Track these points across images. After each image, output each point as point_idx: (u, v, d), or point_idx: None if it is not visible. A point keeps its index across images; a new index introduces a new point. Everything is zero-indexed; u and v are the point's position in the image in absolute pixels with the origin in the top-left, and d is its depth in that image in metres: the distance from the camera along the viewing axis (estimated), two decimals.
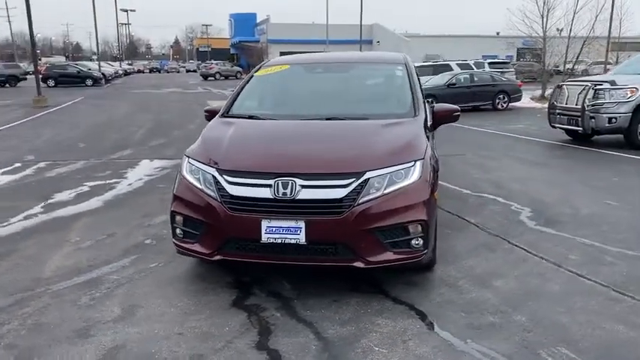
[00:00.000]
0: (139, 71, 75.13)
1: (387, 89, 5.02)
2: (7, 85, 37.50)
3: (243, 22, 57.22)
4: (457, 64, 22.86)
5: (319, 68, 5.50)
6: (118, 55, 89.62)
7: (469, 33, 61.54)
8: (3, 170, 8.67)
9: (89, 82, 37.95)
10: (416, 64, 21.64)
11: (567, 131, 11.48)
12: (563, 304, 3.72)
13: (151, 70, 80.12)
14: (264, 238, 3.65)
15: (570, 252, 4.73)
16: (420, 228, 3.76)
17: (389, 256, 3.73)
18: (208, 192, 3.80)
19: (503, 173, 8.22)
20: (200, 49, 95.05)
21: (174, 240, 4.06)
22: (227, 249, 3.80)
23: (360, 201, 3.61)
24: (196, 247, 3.89)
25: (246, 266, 4.18)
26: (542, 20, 23.23)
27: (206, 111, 5.12)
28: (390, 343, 3.21)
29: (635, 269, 4.33)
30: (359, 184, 3.63)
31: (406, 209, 3.72)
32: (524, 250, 4.81)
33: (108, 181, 7.85)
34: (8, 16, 77.39)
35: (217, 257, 3.82)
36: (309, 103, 4.95)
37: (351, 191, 3.62)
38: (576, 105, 10.51)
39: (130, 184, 7.70)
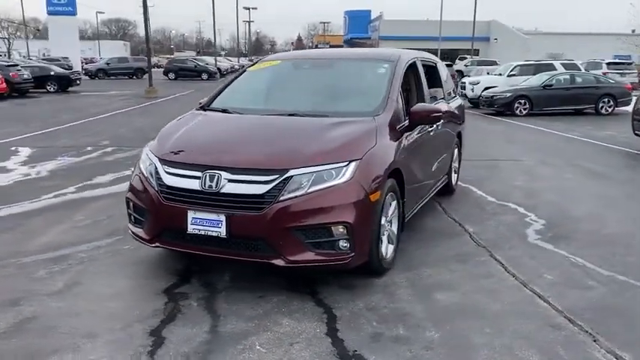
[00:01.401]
0: None
1: (362, 87, 4.86)
2: (135, 76, 40.91)
3: (357, 19, 57.51)
4: (562, 63, 21.26)
5: (306, 65, 5.46)
6: (244, 52, 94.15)
7: (600, 31, 56.77)
8: (70, 154, 9.55)
9: (205, 75, 40.33)
10: (516, 63, 20.49)
11: None
12: (493, 325, 3.42)
13: None
14: (190, 229, 3.74)
15: (550, 271, 4.30)
16: (344, 230, 3.64)
17: (310, 256, 3.65)
18: (151, 181, 3.96)
19: (550, 183, 7.59)
20: (319, 46, 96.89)
21: (128, 224, 4.28)
22: (164, 237, 3.94)
23: (281, 198, 3.57)
24: (141, 232, 4.08)
25: (204, 256, 4.26)
26: None
27: (199, 104, 5.30)
28: (277, 344, 3.16)
29: (611, 297, 3.85)
30: (281, 181, 3.59)
31: (330, 210, 3.62)
32: (500, 264, 4.45)
33: None
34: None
35: (155, 244, 3.97)
36: (281, 98, 4.95)
37: (273, 188, 3.59)
38: None
39: None
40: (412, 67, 5.34)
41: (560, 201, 6.55)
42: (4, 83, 22.94)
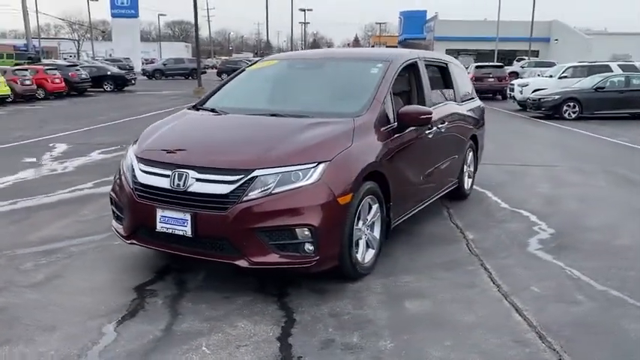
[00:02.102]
0: None
1: (351, 87, 4.74)
2: (190, 77, 41.93)
3: (413, 19, 56.68)
4: (619, 65, 20.18)
5: (300, 65, 5.39)
6: None
7: None
8: (101, 150, 9.88)
9: None
10: (569, 64, 19.61)
11: None
12: (456, 337, 3.26)
13: None
14: (159, 227, 3.77)
15: (539, 283, 4.07)
16: (308, 233, 3.57)
17: (274, 258, 3.60)
18: (128, 178, 4.02)
19: (576, 190, 7.20)
20: (375, 47, 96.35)
21: (112, 220, 4.36)
22: (139, 234, 3.99)
23: (245, 198, 3.54)
24: (120, 229, 4.14)
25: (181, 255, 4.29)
26: None
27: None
28: (223, 346, 3.13)
29: (597, 313, 3.60)
30: (246, 182, 3.56)
31: (295, 211, 3.56)
32: (488, 274, 4.25)
33: None
34: (208, 16, 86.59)
35: (131, 241, 4.03)
36: (269, 98, 4.93)
37: (238, 188, 3.57)
38: None
39: None
40: (411, 68, 5.19)
41: (579, 209, 6.21)
42: (64, 82, 24.08)
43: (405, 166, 4.64)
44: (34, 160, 8.94)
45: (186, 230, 3.66)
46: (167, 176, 3.76)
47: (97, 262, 4.41)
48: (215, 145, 3.93)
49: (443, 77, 6.12)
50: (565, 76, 19.85)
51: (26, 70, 22.82)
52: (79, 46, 73.16)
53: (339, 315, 3.53)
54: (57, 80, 23.58)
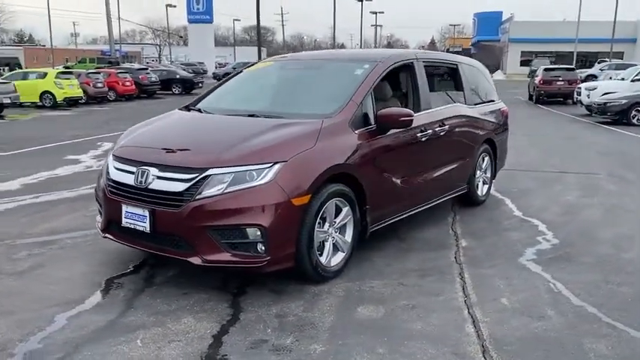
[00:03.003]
0: None
1: (333, 88, 4.66)
2: None
3: (488, 20, 55.06)
4: None
5: (292, 66, 5.38)
6: None
7: None
8: None
9: None
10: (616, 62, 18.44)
11: None
12: (393, 346, 3.15)
13: None
14: (124, 222, 3.90)
15: (512, 295, 3.86)
16: (259, 233, 3.57)
17: (226, 256, 3.63)
18: (104, 174, 4.20)
19: (605, 200, 6.73)
20: (451, 50, 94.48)
21: (97, 215, 4.56)
22: (111, 229, 4.14)
23: (197, 197, 3.60)
24: (99, 223, 4.33)
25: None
26: None
27: None
28: (157, 340, 3.18)
29: (559, 330, 3.36)
30: (200, 180, 3.62)
31: (246, 211, 3.57)
32: (462, 283, 4.08)
33: None
34: (282, 21, 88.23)
35: (105, 235, 4.19)
36: (253, 98, 4.96)
37: (192, 186, 3.63)
38: None
39: None
40: (405, 69, 5.07)
41: (599, 220, 5.81)
42: (134, 85, 25.35)
43: (388, 169, 4.53)
44: (75, 157, 9.48)
45: (146, 226, 3.76)
46: (132, 173, 3.89)
47: (83, 255, 4.61)
48: (180, 144, 4.01)
49: (449, 79, 5.93)
50: (639, 79, 18.57)
51: (99, 73, 24.22)
52: (160, 51, 76.89)
53: (285, 316, 3.50)
54: (127, 83, 24.87)
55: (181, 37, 73.08)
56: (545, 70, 24.53)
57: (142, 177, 3.81)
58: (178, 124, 4.60)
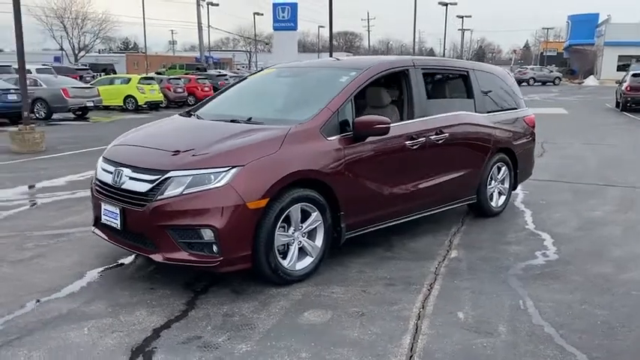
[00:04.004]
0: None
1: (314, 95, 4.69)
2: None
3: (582, 23, 51.98)
4: None
5: (286, 73, 5.47)
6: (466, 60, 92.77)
7: None
8: None
9: None
10: None
11: None
12: (319, 351, 3.17)
13: None
14: (103, 218, 4.20)
15: (473, 310, 3.74)
16: (212, 234, 3.71)
17: (184, 255, 3.80)
18: (94, 174, 4.53)
19: (638, 216, 6.28)
20: (545, 54, 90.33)
21: None
22: (97, 225, 4.45)
23: (158, 197, 3.80)
24: (93, 219, 4.66)
25: None
26: None
27: None
28: (103, 329, 3.39)
29: (500, 347, 3.23)
30: (161, 181, 3.82)
31: (200, 212, 3.73)
32: (425, 295, 4.00)
33: None
34: (368, 26, 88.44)
35: (93, 230, 4.51)
36: (241, 105, 5.07)
37: (154, 187, 3.84)
38: None
39: None
40: (397, 76, 5.04)
41: (615, 237, 5.43)
42: (212, 90, 26.47)
43: (369, 176, 4.52)
44: None
45: (118, 223, 4.03)
46: (111, 173, 4.17)
47: (82, 247, 4.97)
48: (155, 146, 4.24)
49: (456, 86, 5.79)
50: None
51: (179, 79, 25.56)
52: (249, 57, 79.57)
53: (232, 316, 3.61)
54: (206, 88, 26.02)
55: (267, 43, 75.26)
56: (634, 75, 22.84)
57: (117, 177, 4.08)
58: (166, 128, 4.85)
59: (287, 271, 4.05)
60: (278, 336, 3.34)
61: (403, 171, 4.87)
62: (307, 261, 4.20)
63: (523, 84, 46.93)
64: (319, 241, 4.24)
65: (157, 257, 3.86)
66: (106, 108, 22.05)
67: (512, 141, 6.20)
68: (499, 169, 6.11)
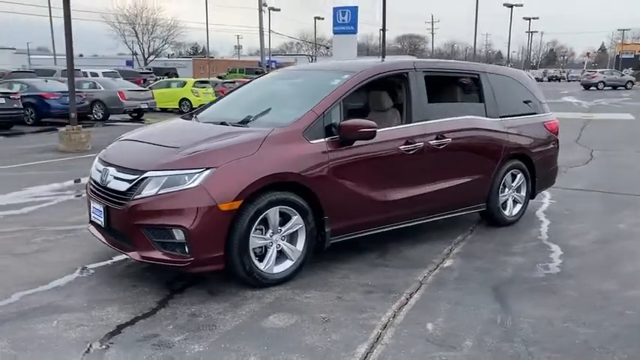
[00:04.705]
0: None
1: (305, 98, 4.63)
2: None
3: None
4: None
5: (287, 76, 5.46)
6: (533, 64, 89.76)
7: None
8: None
9: None
10: None
11: None
12: (269, 356, 3.14)
13: (550, 79, 76.57)
14: (92, 216, 4.34)
15: (445, 322, 3.60)
16: (183, 234, 3.76)
17: (158, 254, 3.87)
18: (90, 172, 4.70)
19: None
20: (622, 56, 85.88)
21: None
22: (91, 222, 4.60)
23: (135, 197, 3.89)
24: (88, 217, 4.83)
25: None
26: None
27: None
28: (71, 323, 3.50)
29: None
30: (139, 181, 3.91)
31: (172, 213, 3.78)
32: (401, 304, 3.88)
33: None
34: (432, 29, 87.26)
35: (88, 226, 4.67)
36: (237, 107, 5.08)
37: (132, 186, 3.93)
38: None
39: None
40: (394, 79, 4.94)
41: (631, 252, 5.09)
42: None
43: (357, 181, 4.43)
44: None
45: (102, 221, 4.15)
46: (101, 172, 4.31)
47: (84, 244, 5.12)
48: (141, 147, 4.34)
49: (465, 89, 5.59)
50: None
51: (233, 82, 26.11)
52: (311, 61, 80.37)
53: (198, 316, 3.64)
54: None
55: (327, 47, 75.70)
56: None
57: (104, 176, 4.22)
58: (162, 130, 4.95)
59: (263, 274, 4.04)
60: (234, 338, 3.34)
61: (397, 176, 4.75)
62: (287, 264, 4.17)
63: (592, 88, 44.72)
64: (300, 245, 4.20)
65: (135, 255, 3.95)
66: (164, 110, 22.82)
67: (530, 147, 5.92)
68: (514, 176, 5.85)
